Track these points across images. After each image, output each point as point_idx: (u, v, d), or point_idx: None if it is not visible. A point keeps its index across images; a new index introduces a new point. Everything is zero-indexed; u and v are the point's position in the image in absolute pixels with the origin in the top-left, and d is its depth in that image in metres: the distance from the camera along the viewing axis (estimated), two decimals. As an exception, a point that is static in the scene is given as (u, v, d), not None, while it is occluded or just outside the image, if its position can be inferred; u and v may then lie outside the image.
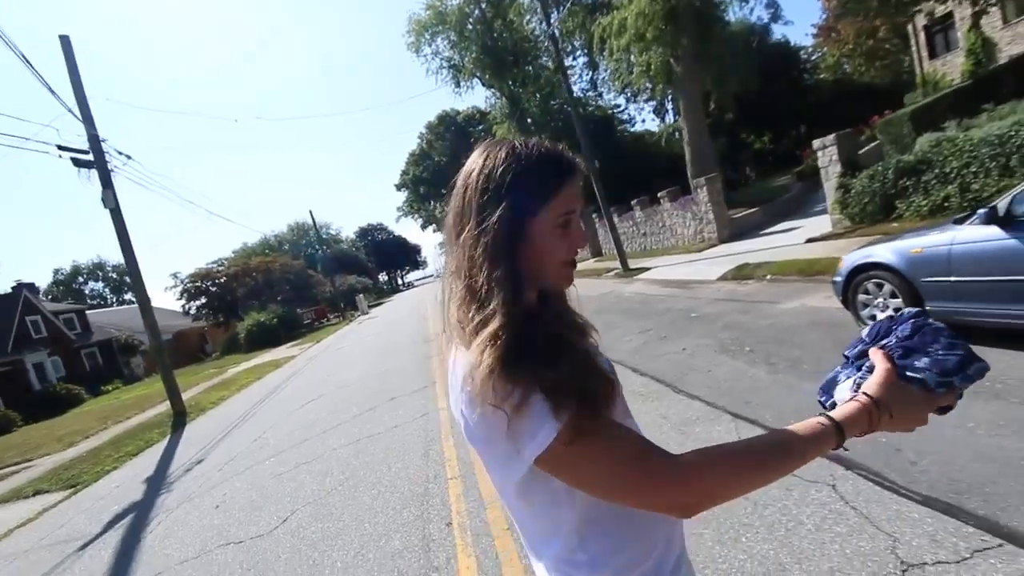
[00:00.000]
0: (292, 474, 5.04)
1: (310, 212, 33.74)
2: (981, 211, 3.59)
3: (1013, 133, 7.44)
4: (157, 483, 6.62)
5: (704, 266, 11.59)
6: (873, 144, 12.15)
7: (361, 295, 39.92)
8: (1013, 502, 2.00)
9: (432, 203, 69.29)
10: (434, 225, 77.69)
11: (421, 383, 7.56)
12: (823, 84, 32.80)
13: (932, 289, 3.92)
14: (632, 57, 16.23)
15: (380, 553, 2.96)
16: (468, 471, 3.80)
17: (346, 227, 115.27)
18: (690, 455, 0.66)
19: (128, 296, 56.75)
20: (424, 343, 12.02)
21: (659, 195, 17.31)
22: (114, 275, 54.81)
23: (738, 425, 3.34)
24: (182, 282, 31.61)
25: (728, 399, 3.80)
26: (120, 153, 11.80)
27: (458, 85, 33.59)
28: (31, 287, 24.29)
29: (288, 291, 34.31)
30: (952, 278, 3.76)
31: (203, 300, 32.44)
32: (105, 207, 11.20)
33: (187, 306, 32.23)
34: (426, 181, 63.02)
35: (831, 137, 10.42)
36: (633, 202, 19.67)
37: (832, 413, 0.72)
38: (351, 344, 18.09)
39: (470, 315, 0.69)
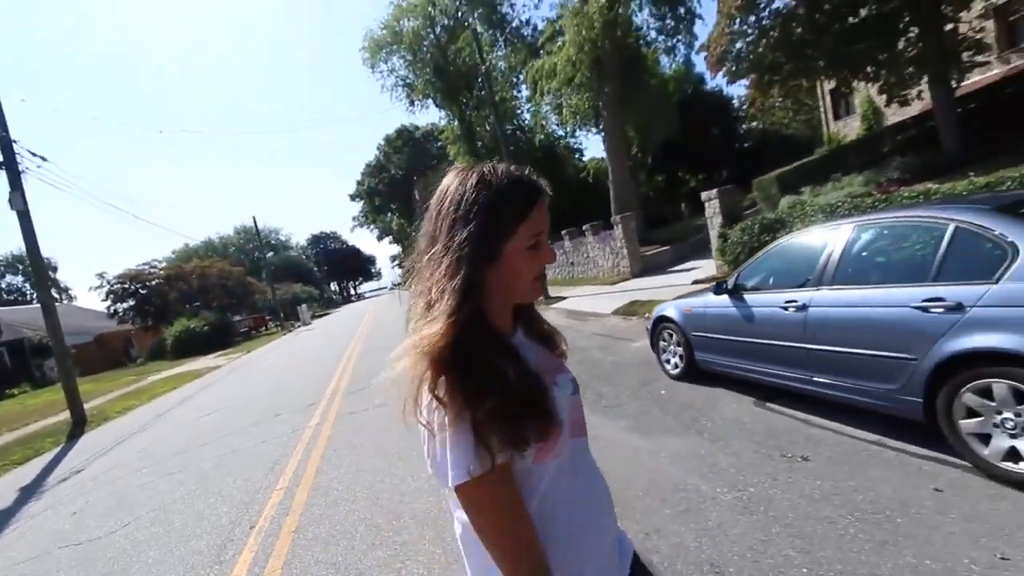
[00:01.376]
0: (155, 483, 5.41)
1: (253, 218, 33.15)
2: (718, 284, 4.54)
3: (840, 203, 8.78)
4: (31, 491, 6.74)
5: (608, 300, 12.57)
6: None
7: (304, 305, 39.32)
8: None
9: (389, 215, 69.27)
10: (390, 237, 77.38)
11: (311, 400, 8.01)
12: (753, 132, 35.66)
13: (697, 342, 4.83)
14: (563, 99, 17.43)
15: (186, 550, 3.49)
16: (295, 483, 4.37)
17: (298, 234, 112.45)
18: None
19: (53, 292, 53.42)
20: (342, 359, 12.39)
21: (584, 228, 18.44)
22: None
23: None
24: (108, 283, 30.31)
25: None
26: (34, 155, 11.71)
27: (412, 104, 34.14)
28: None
29: (225, 298, 33.45)
30: (707, 334, 4.68)
31: (131, 303, 31.14)
32: (12, 209, 11.08)
33: (112, 308, 30.85)
34: (381, 193, 62.99)
35: (714, 191, 11.71)
36: (563, 232, 20.77)
37: None
38: (276, 356, 18.10)
39: (417, 317, 0.74)
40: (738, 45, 11.37)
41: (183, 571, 3.25)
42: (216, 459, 5.76)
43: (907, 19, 9.63)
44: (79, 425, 11.46)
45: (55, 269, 53.47)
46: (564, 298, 15.23)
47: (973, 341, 2.53)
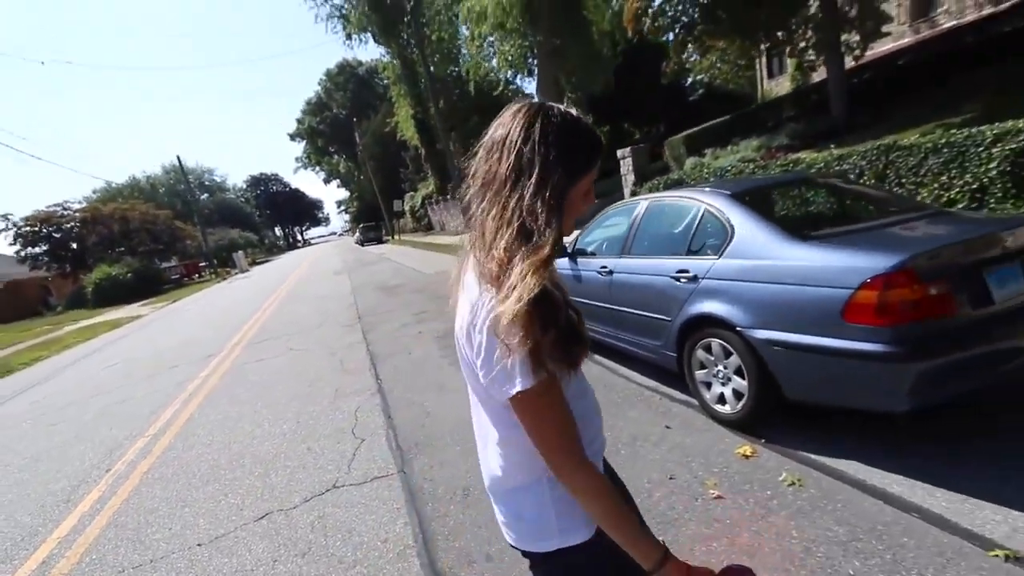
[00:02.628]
0: (34, 434, 5.55)
1: (177, 156, 30.98)
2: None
3: (731, 166, 9.37)
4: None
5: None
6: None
7: (240, 252, 37.89)
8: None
9: (335, 157, 66.03)
10: (337, 180, 74.20)
11: (211, 351, 8.16)
12: (699, 85, 36.00)
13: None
14: (496, 45, 16.99)
15: (43, 491, 3.79)
16: (163, 431, 4.67)
17: (237, 175, 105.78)
18: (591, 472, 0.82)
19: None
20: (260, 310, 12.38)
21: (516, 180, 18.58)
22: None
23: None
24: (15, 225, 28.05)
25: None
26: None
27: (349, 38, 32.07)
28: None
29: (151, 243, 31.72)
30: (556, 292, 5.15)
31: (44, 247, 29.07)
32: None
33: (23, 252, 28.75)
34: (324, 134, 59.76)
35: (628, 150, 12.12)
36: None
37: (674, 559, 0.83)
38: (199, 306, 17.74)
39: (521, 249, 0.76)
40: (657, 1, 11.44)
41: (34, 508, 3.55)
42: (101, 409, 5.92)
43: (807, -14, 9.99)
44: (-26, 378, 11.08)
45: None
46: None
47: (701, 307, 3.07)
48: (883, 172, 6.62)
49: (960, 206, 5.90)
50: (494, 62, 16.85)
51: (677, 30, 11.18)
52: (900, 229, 2.72)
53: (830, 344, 2.38)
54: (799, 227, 2.88)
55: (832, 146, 7.90)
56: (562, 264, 4.83)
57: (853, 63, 12.13)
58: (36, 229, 28.46)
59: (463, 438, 3.46)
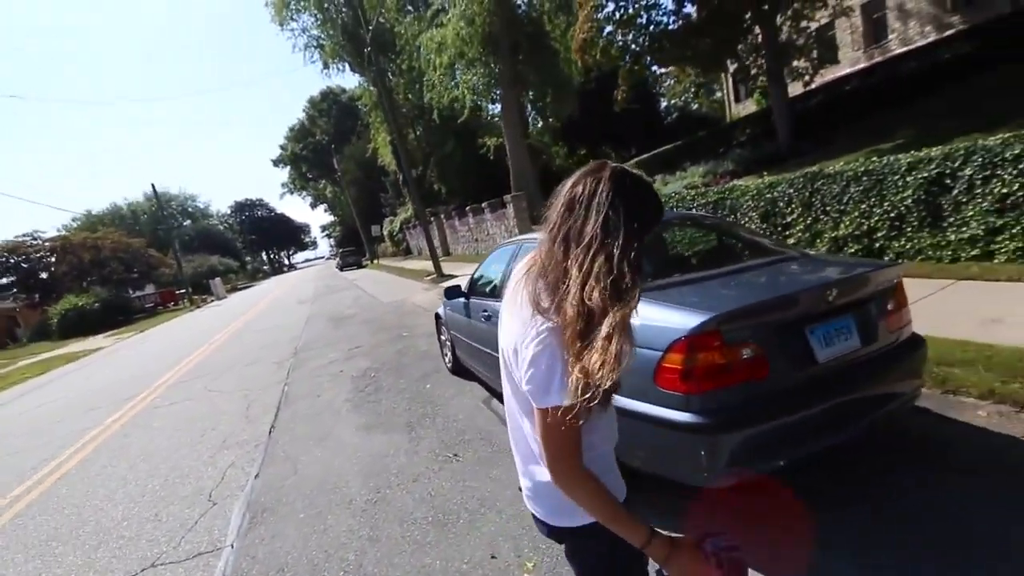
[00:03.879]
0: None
1: (152, 185, 30.75)
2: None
3: (675, 193, 9.31)
4: None
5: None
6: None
7: (217, 279, 37.47)
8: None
9: (322, 183, 66.11)
10: (325, 205, 74.18)
11: (136, 391, 7.82)
12: (672, 110, 36.70)
13: (453, 339, 5.09)
14: (458, 74, 17.12)
15: None
16: (25, 493, 4.34)
17: (220, 201, 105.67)
18: (582, 482, 0.94)
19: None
20: (207, 343, 12.04)
21: (482, 205, 18.54)
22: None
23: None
24: (-20, 257, 27.52)
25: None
26: None
27: (326, 67, 32.35)
28: None
29: (124, 272, 31.22)
30: (455, 333, 4.95)
31: (11, 278, 28.49)
32: None
33: (-11, 284, 28.16)
34: (307, 160, 59.94)
35: (582, 176, 12.08)
36: (467, 208, 20.82)
37: (659, 536, 0.95)
38: (158, 337, 17.32)
39: (613, 303, 0.83)
40: (607, 30, 11.57)
41: None
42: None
43: (748, 18, 10.14)
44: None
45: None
46: (455, 276, 15.34)
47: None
48: (809, 200, 6.55)
49: (880, 234, 5.83)
50: (460, 90, 16.92)
51: (626, 60, 11.27)
52: (737, 279, 2.55)
53: (645, 410, 2.17)
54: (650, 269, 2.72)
55: (765, 173, 7.87)
56: (459, 305, 4.65)
57: (802, 88, 12.29)
58: (3, 260, 27.92)
59: (314, 502, 3.20)
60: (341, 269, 37.55)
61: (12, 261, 28.42)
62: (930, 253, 5.40)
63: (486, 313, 3.88)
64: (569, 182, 0.95)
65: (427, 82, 18.00)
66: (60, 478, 4.60)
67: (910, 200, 5.48)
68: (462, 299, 4.58)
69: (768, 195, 7.12)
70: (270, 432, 4.69)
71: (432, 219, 29.28)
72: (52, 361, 16.99)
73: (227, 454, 4.36)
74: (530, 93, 19.29)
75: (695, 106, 37.76)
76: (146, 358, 12.13)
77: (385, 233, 39.02)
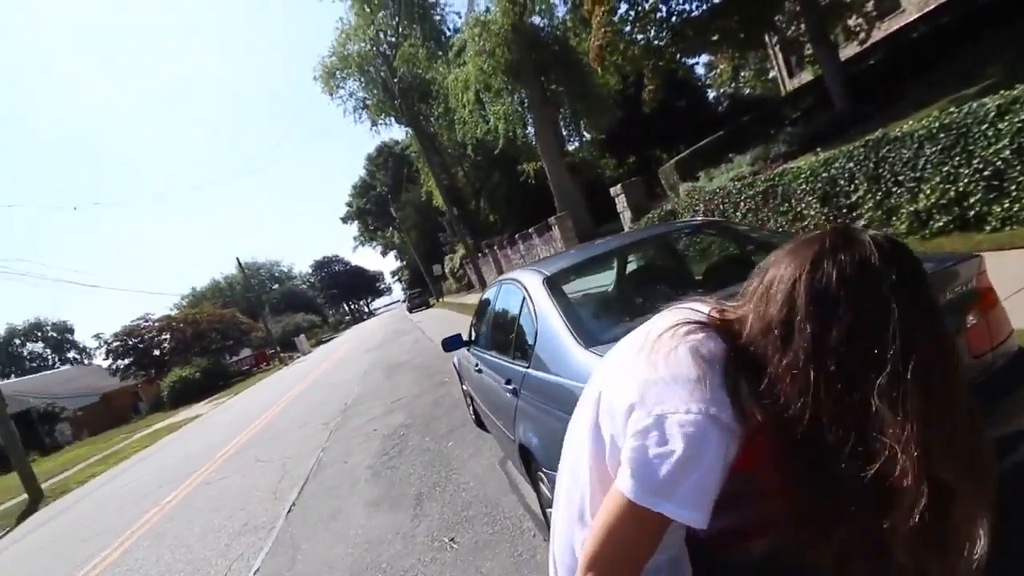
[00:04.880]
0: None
1: (236, 259, 33.71)
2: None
3: (720, 188, 8.37)
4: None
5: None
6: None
7: (302, 336, 39.95)
8: None
9: (390, 231, 69.72)
10: (395, 251, 77.99)
11: (202, 464, 8.08)
12: (723, 98, 34.70)
13: (466, 391, 4.64)
14: (486, 107, 17.13)
15: None
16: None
17: (302, 262, 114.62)
18: None
19: (72, 355, 55.51)
20: (275, 406, 12.48)
21: (529, 231, 18.18)
22: (54, 334, 53.61)
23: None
24: (106, 342, 31.27)
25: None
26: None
27: (374, 124, 34.24)
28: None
29: (221, 341, 34.18)
30: (463, 384, 4.50)
31: (130, 358, 32.07)
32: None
33: (113, 365, 31.85)
34: (371, 212, 63.37)
35: (620, 187, 11.38)
36: (516, 235, 20.56)
37: None
38: (246, 400, 18.40)
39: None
40: (625, 30, 10.95)
41: None
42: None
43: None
44: (35, 503, 11.78)
45: (72, 331, 55.47)
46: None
47: (520, 432, 2.33)
48: (875, 172, 5.49)
49: (975, 199, 4.68)
50: (491, 122, 16.91)
51: (649, 59, 10.57)
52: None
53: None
54: (608, 320, 2.13)
55: (819, 149, 6.81)
56: (465, 355, 4.21)
57: (858, 48, 10.89)
58: (123, 343, 31.54)
59: (295, 610, 2.82)
60: (410, 311, 38.70)
61: (130, 343, 32.01)
62: (1049, 213, 4.21)
63: (477, 366, 3.40)
64: (792, 264, 0.66)
65: (458, 119, 18.21)
66: (101, 572, 4.63)
67: (1008, 151, 4.35)
68: (464, 349, 4.14)
69: (824, 174, 6.09)
70: (288, 512, 4.44)
71: (487, 251, 29.49)
72: (159, 432, 18.57)
73: (242, 541, 4.15)
74: (563, 111, 18.90)
75: (747, 90, 35.51)
76: (223, 426, 12.77)
77: (447, 270, 39.90)
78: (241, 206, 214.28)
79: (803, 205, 6.47)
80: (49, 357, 54.09)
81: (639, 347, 0.77)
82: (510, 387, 2.43)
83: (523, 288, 2.50)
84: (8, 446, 12.48)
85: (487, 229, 35.37)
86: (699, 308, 0.80)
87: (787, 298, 0.64)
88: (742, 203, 7.52)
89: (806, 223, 6.53)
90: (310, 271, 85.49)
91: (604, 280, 3.05)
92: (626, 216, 11.38)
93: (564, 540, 0.84)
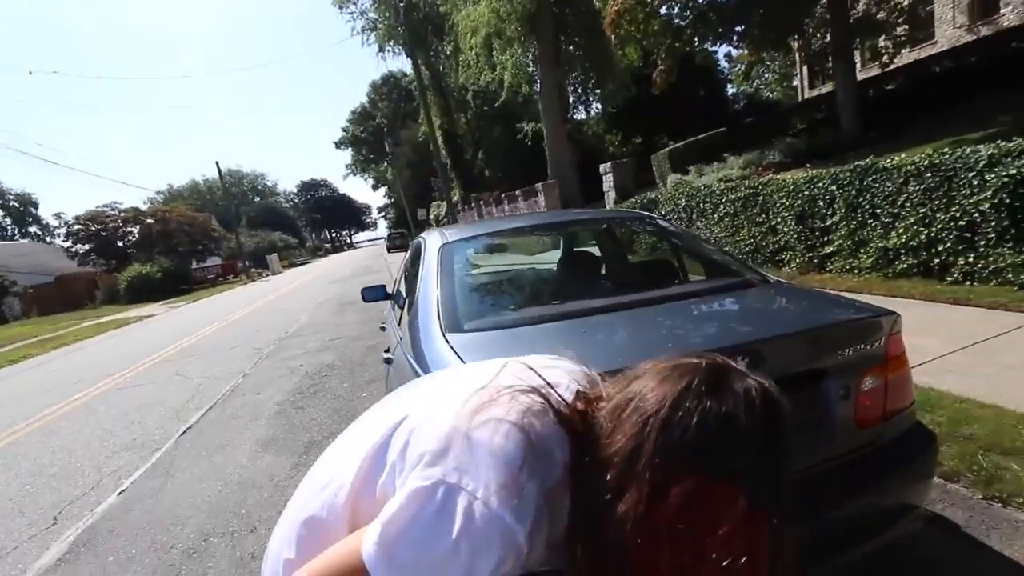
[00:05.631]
0: None
1: (216, 163, 32.36)
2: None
3: (703, 187, 8.11)
4: None
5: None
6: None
7: (274, 255, 39.13)
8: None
9: (384, 164, 67.75)
10: (386, 188, 76.10)
11: (127, 366, 7.81)
12: (742, 96, 33.88)
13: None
14: (495, 55, 16.26)
15: None
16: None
17: (288, 181, 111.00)
18: None
19: (34, 230, 53.46)
20: (221, 320, 12.17)
21: (516, 192, 17.75)
22: (16, 204, 51.31)
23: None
24: (67, 223, 30.07)
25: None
26: None
27: (381, 49, 32.52)
28: None
29: (189, 244, 33.18)
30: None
31: (91, 245, 30.98)
32: None
33: (73, 249, 30.77)
34: (367, 142, 61.32)
35: (610, 165, 11.01)
36: (503, 195, 20.11)
37: None
38: (197, 309, 17.99)
39: None
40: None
41: None
42: None
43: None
44: (-44, 373, 11.39)
45: (36, 205, 53.13)
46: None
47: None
48: (856, 200, 5.29)
49: (944, 247, 4.53)
50: (496, 71, 16.09)
51: (667, 39, 9.97)
52: (627, 320, 1.66)
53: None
54: (492, 306, 1.90)
55: (808, 166, 6.56)
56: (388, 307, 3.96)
57: (880, 70, 10.52)
58: (85, 227, 30.36)
59: (136, 541, 2.65)
60: (388, 251, 38.12)
61: (93, 228, 30.84)
62: (1009, 276, 4.09)
63: (382, 324, 3.17)
64: (655, 393, 0.55)
65: (462, 61, 17.32)
66: (-24, 462, 4.40)
67: (987, 205, 4.17)
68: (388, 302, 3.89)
69: (807, 192, 5.88)
70: (180, 435, 4.25)
71: (473, 205, 28.92)
72: (106, 325, 18.09)
73: (124, 456, 3.96)
74: (575, 76, 18.12)
75: (767, 93, 34.78)
76: (165, 332, 12.43)
77: (432, 217, 39.12)
78: (231, 108, 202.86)
79: (779, 220, 6.28)
80: (9, 228, 52.03)
81: (476, 388, 0.64)
82: (386, 354, 2.21)
83: (425, 249, 2.25)
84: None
85: (480, 183, 34.54)
86: (565, 375, 0.68)
87: (637, 433, 0.53)
88: (722, 206, 7.30)
89: (777, 238, 6.36)
90: (295, 192, 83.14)
91: (531, 260, 2.81)
92: (610, 196, 11.07)
93: (284, 536, 0.73)
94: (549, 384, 0.63)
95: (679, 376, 0.55)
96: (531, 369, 0.66)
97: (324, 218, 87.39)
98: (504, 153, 31.69)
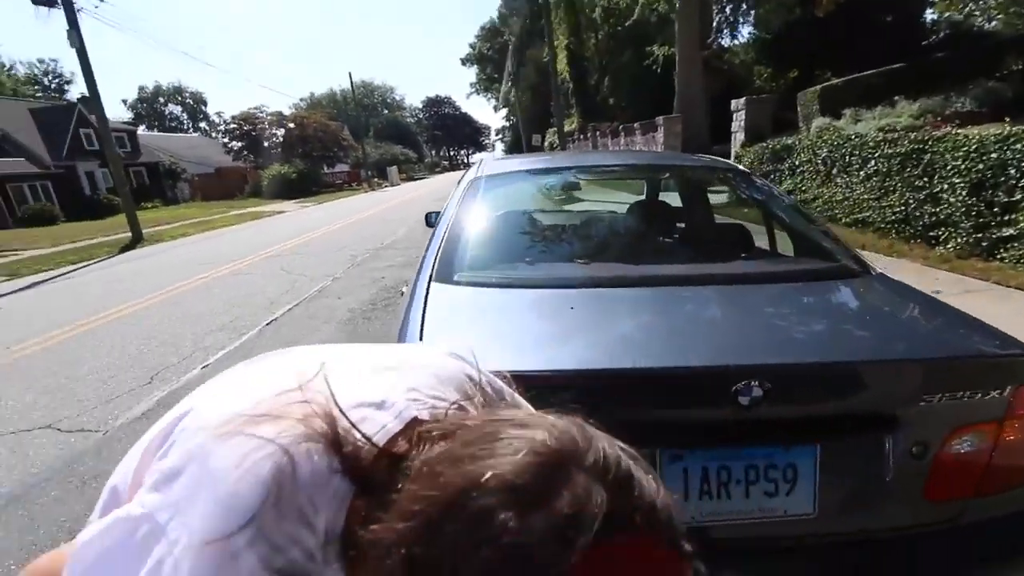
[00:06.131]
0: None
1: (348, 74, 33.93)
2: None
3: (854, 136, 6.74)
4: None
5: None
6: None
7: (394, 168, 41.12)
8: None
9: (508, 84, 66.57)
10: (507, 110, 75.37)
11: (246, 254, 8.80)
12: (942, 24, 27.17)
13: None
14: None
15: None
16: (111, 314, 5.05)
17: (412, 95, 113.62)
18: None
19: (203, 125, 61.28)
20: (337, 223, 13.17)
21: (634, 124, 16.38)
22: (191, 101, 58.90)
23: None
24: (225, 122, 33.84)
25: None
26: (90, -8, 12.70)
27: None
28: (86, 101, 27.17)
29: (322, 150, 35.94)
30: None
31: (243, 143, 34.79)
32: (71, 46, 12.43)
33: (229, 145, 34.83)
34: (493, 60, 59.98)
35: (743, 101, 9.56)
36: (621, 127, 18.73)
37: None
38: (323, 211, 19.67)
39: None
40: None
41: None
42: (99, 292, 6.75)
43: None
44: (135, 243, 13.76)
45: (205, 103, 60.57)
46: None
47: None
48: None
49: None
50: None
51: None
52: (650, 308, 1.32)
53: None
54: (503, 255, 1.64)
55: (1007, 120, 5.03)
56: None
57: None
58: (239, 126, 34.03)
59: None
60: (498, 175, 38.27)
61: (244, 128, 34.47)
62: None
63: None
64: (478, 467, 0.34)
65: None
66: (110, 322, 5.29)
67: None
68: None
69: (995, 155, 4.58)
70: (266, 325, 4.69)
71: (589, 135, 27.48)
72: (245, 216, 20.59)
73: (217, 336, 4.48)
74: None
75: (983, 23, 27.47)
76: (287, 228, 13.76)
77: (546, 145, 38.11)
78: (369, 19, 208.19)
79: (945, 187, 5.03)
80: (184, 121, 60.10)
81: (275, 392, 0.46)
82: (404, 288, 2.09)
83: (463, 178, 2.03)
84: (119, 190, 14.32)
85: (603, 111, 32.51)
86: (405, 391, 0.48)
87: (411, 522, 0.34)
88: (873, 162, 6.02)
89: (937, 209, 5.12)
90: (420, 107, 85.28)
91: (593, 207, 2.46)
92: (738, 138, 9.70)
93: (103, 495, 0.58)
94: (370, 404, 0.45)
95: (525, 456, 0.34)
96: (353, 375, 0.49)
97: (444, 135, 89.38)
98: (631, 81, 29.16)
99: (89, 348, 4.41)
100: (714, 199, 2.05)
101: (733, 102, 9.76)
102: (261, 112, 34.63)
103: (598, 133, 23.67)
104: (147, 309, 5.71)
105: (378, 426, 0.43)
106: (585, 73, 33.67)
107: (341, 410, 0.43)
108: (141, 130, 38.62)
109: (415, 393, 0.48)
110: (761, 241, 1.82)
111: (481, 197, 1.80)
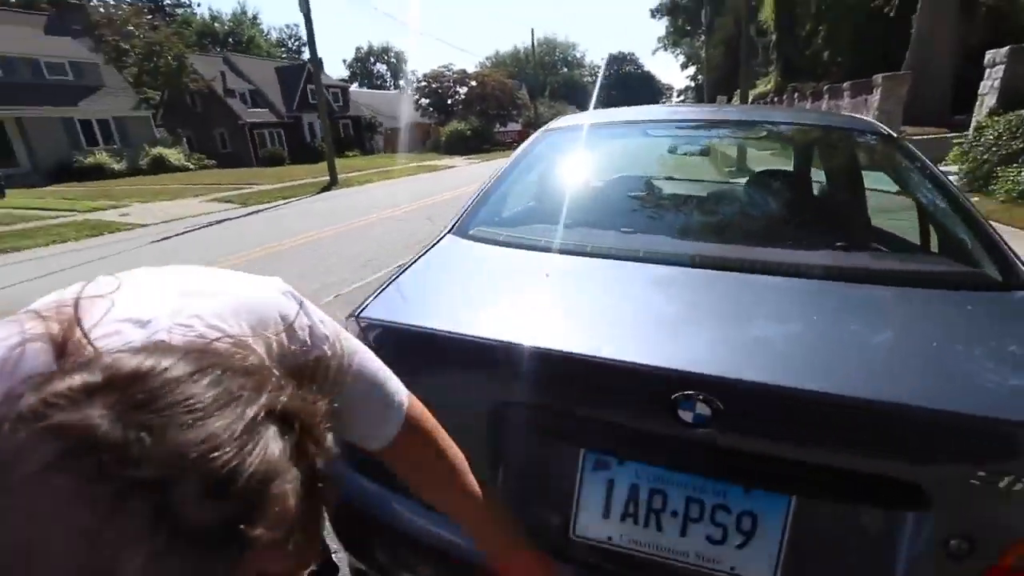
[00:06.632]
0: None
1: (531, 30, 34.25)
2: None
3: None
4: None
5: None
6: None
7: (563, 127, 41.03)
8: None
9: (701, 38, 60.84)
10: (695, 68, 69.21)
11: (405, 203, 9.74)
12: None
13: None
14: None
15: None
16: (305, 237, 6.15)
17: (593, 52, 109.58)
18: None
19: (401, 83, 68.17)
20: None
21: (843, 85, 13.63)
22: (395, 60, 65.83)
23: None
24: (416, 80, 37.10)
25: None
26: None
27: None
28: (316, 61, 32.23)
29: (498, 108, 37.43)
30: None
31: (430, 100, 37.90)
32: (300, 11, 14.65)
33: (418, 101, 38.28)
34: (687, 10, 54.86)
35: (1004, 51, 7.20)
36: (826, 88, 15.76)
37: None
38: (486, 168, 20.70)
39: None
40: None
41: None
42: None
43: None
44: (330, 186, 16.20)
45: (405, 62, 67.08)
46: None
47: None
48: None
49: None
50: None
51: None
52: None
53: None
54: (537, 214, 1.49)
55: None
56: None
57: None
58: (428, 84, 37.05)
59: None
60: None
61: (432, 86, 37.40)
62: None
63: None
64: None
65: None
66: (304, 244, 6.35)
67: None
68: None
69: None
70: (397, 266, 5.16)
71: (785, 97, 23.82)
72: (421, 168, 22.68)
73: (359, 271, 5.09)
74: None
75: None
76: (450, 181, 14.81)
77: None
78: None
79: None
80: (388, 79, 67.52)
81: (57, 297, 0.49)
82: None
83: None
84: (324, 139, 16.82)
85: (810, 69, 27.81)
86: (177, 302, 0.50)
87: None
88: None
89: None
90: (600, 64, 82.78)
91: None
92: (986, 103, 7.40)
93: None
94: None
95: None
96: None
97: (621, 95, 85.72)
98: (853, 30, 24.17)
99: (273, 266, 5.40)
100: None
101: (988, 54, 7.40)
102: (448, 71, 37.13)
103: (796, 95, 20.39)
104: (318, 241, 6.72)
105: (124, 341, 0.43)
106: (792, 22, 28.92)
107: (79, 322, 0.44)
108: (354, 87, 44.51)
109: (194, 320, 0.47)
110: (892, 225, 1.38)
111: (536, 152, 1.67)
